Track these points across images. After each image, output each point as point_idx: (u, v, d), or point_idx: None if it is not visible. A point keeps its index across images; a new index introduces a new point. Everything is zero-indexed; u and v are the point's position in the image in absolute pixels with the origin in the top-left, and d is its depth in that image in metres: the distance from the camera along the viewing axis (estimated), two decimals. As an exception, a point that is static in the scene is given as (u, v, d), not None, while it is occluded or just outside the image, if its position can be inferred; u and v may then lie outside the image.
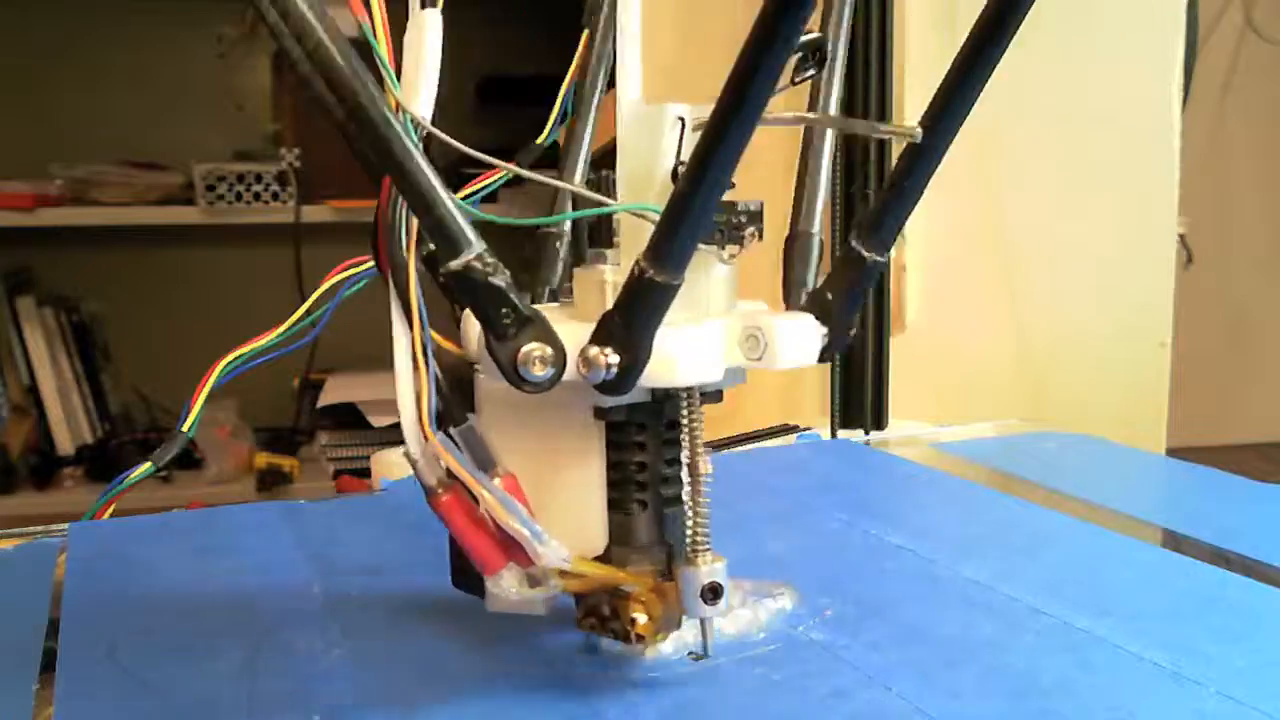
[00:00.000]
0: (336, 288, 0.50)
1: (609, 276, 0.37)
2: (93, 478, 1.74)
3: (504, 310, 0.34)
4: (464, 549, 0.37)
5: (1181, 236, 1.15)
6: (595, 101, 0.45)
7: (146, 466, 0.57)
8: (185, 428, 0.55)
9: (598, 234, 0.39)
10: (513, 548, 0.36)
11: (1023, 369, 1.03)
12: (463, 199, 0.49)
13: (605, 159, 0.41)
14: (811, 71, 0.40)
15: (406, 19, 0.37)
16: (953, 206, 0.99)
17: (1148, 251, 1.07)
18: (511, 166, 0.40)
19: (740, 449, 0.75)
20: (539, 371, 0.35)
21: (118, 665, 0.41)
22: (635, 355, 0.34)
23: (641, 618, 0.38)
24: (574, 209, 0.41)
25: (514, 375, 0.35)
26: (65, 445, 1.77)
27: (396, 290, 0.35)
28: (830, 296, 0.39)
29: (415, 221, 0.35)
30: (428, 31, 0.36)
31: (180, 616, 0.46)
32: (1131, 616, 0.44)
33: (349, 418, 1.77)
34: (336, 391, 1.79)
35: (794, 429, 0.80)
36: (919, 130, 0.36)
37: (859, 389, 0.90)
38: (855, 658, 0.41)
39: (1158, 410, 1.08)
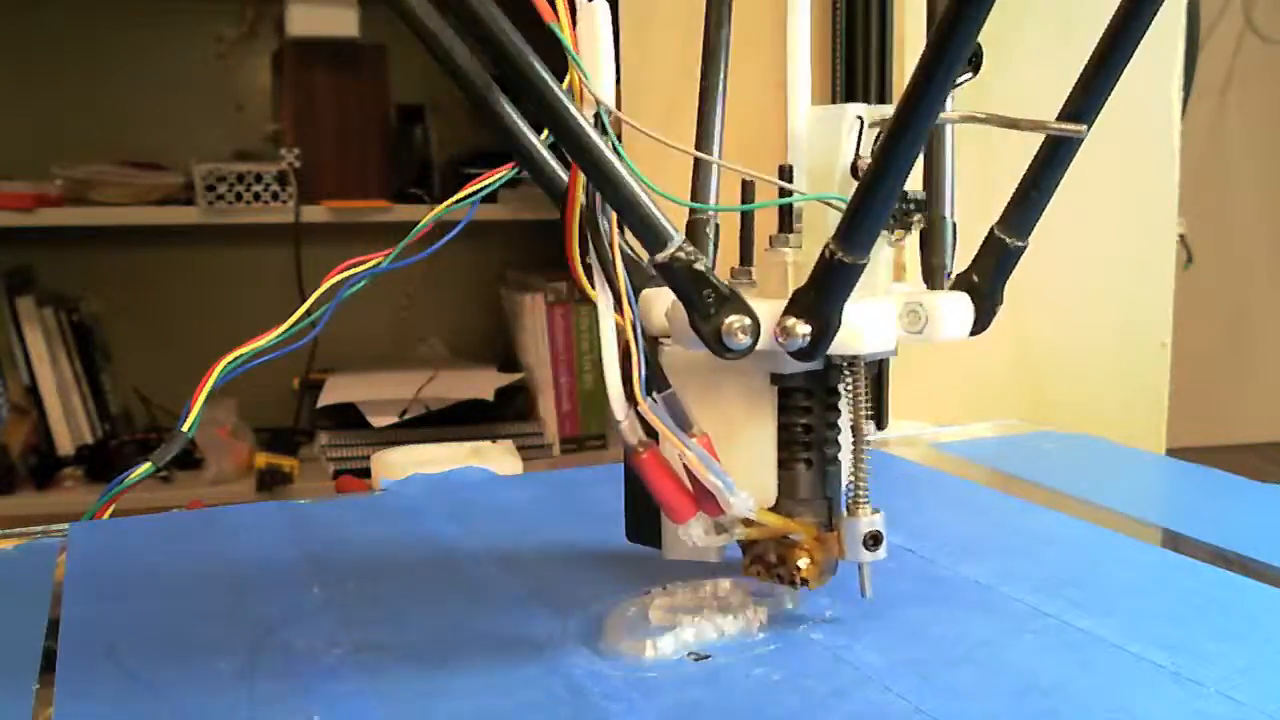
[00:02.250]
0: (336, 288, 0.50)
1: (790, 258, 0.42)
2: (93, 478, 1.74)
3: (706, 291, 0.39)
4: (659, 501, 0.42)
5: (1181, 236, 1.15)
6: (721, 92, 0.48)
7: (146, 466, 0.57)
8: (185, 428, 0.55)
9: (747, 221, 0.44)
10: (703, 499, 0.41)
11: (1023, 369, 1.03)
12: (464, 197, 0.50)
13: None
14: (969, 75, 0.43)
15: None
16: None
17: (1148, 251, 1.07)
18: (746, 166, 0.43)
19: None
20: (741, 340, 0.40)
21: (118, 665, 0.41)
22: (826, 325, 0.39)
23: (805, 563, 0.43)
24: (746, 200, 0.44)
25: (718, 345, 0.40)
26: (65, 445, 1.77)
27: (604, 275, 0.40)
28: (976, 278, 0.44)
29: (614, 215, 0.39)
30: (600, 22, 0.39)
31: (180, 617, 0.46)
32: (1131, 616, 0.44)
33: (349, 418, 1.77)
34: (336, 391, 1.79)
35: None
36: (1083, 128, 0.42)
37: (859, 389, 0.90)
38: (855, 658, 0.41)
39: (1158, 410, 1.08)
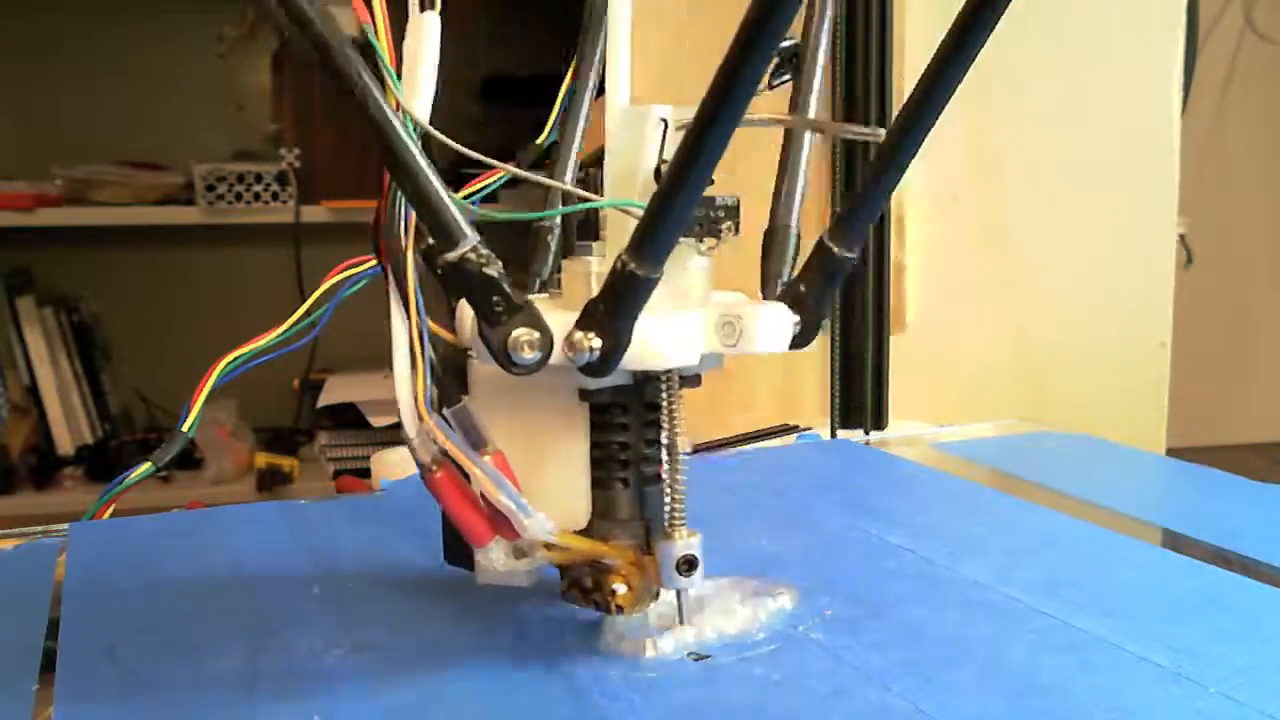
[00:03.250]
0: (336, 288, 0.50)
1: (595, 268, 0.40)
2: (93, 478, 1.74)
3: (496, 299, 0.37)
4: (455, 523, 0.40)
5: (1181, 236, 1.15)
6: (586, 101, 0.47)
7: (146, 466, 0.57)
8: (185, 428, 0.55)
9: (586, 229, 0.42)
10: (501, 522, 0.39)
11: (1023, 369, 1.03)
12: (463, 198, 0.50)
13: (599, 159, 0.43)
14: (787, 76, 0.43)
15: (406, 22, 0.39)
16: (952, 207, 0.99)
17: (1148, 251, 1.07)
18: (507, 167, 0.43)
19: (740, 449, 0.75)
20: (528, 355, 0.37)
21: (118, 665, 0.41)
22: (617, 340, 0.37)
23: (621, 589, 0.40)
24: (564, 205, 0.44)
25: (504, 358, 0.37)
26: (65, 445, 1.77)
27: (395, 281, 0.38)
28: (803, 288, 0.42)
29: (414, 216, 0.38)
30: (426, 34, 0.38)
31: (180, 616, 0.46)
32: (1131, 616, 0.44)
33: (349, 418, 1.77)
34: (336, 391, 1.79)
35: (794, 429, 0.80)
36: (881, 132, 0.39)
37: (859, 389, 0.90)
38: (855, 658, 0.41)
39: (1158, 410, 1.08)
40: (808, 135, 0.45)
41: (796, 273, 0.43)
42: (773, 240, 0.45)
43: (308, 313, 0.51)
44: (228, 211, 1.73)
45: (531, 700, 0.38)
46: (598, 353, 0.37)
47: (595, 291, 0.38)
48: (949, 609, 0.46)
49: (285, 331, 0.52)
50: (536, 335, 0.37)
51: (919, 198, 0.97)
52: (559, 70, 0.46)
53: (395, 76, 0.37)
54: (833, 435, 0.85)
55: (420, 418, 0.38)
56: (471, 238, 0.36)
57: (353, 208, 1.76)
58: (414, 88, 0.38)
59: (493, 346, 0.37)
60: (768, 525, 0.56)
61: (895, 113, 0.91)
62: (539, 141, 0.46)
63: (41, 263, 1.84)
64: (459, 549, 0.43)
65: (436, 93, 0.39)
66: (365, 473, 0.71)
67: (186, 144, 1.82)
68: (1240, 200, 2.42)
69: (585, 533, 0.41)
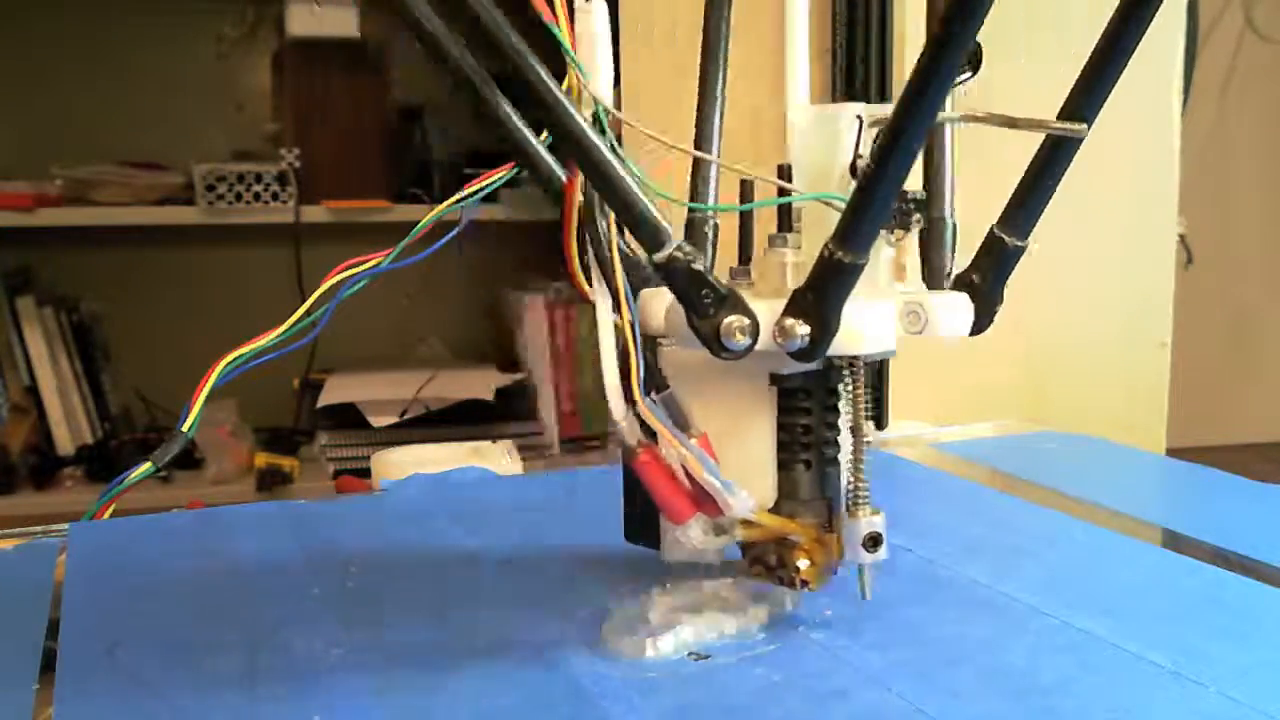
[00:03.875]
0: (336, 288, 0.50)
1: (790, 258, 0.42)
2: (93, 478, 1.74)
3: (704, 291, 0.39)
4: (658, 502, 0.42)
5: (1181, 236, 1.15)
6: (719, 90, 0.48)
7: (146, 466, 0.57)
8: (185, 428, 0.55)
9: (746, 221, 0.44)
10: (702, 500, 0.41)
11: (1023, 369, 1.03)
12: (464, 197, 0.50)
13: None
14: (968, 75, 0.44)
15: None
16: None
17: (1148, 251, 1.07)
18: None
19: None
20: (739, 340, 0.39)
21: (118, 665, 0.41)
22: (825, 326, 0.39)
23: (805, 564, 0.43)
24: (742, 199, 0.44)
25: (716, 345, 0.39)
26: (65, 445, 1.77)
27: (604, 276, 0.40)
28: (976, 278, 0.44)
29: (612, 217, 0.40)
30: (597, 21, 0.39)
31: (180, 616, 0.46)
32: (1131, 616, 0.44)
33: (349, 418, 1.77)
34: (336, 391, 1.78)
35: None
36: (1084, 127, 0.41)
37: (859, 389, 0.90)
38: (855, 658, 0.41)
39: (1158, 410, 1.08)
40: (950, 128, 0.47)
41: (970, 263, 0.45)
42: (932, 232, 0.46)
43: (308, 313, 0.51)
44: (228, 211, 1.73)
45: (531, 700, 0.38)
46: (808, 338, 0.39)
47: (791, 281, 0.40)
48: (949, 609, 0.46)
49: (285, 331, 0.52)
50: (747, 322, 0.39)
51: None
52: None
53: (583, 69, 0.38)
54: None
55: (633, 402, 0.40)
56: (675, 236, 0.39)
57: (353, 208, 1.76)
58: (596, 75, 0.39)
59: (704, 335, 0.39)
60: (768, 525, 0.56)
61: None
62: (542, 139, 0.46)
63: (41, 263, 1.84)
64: (642, 527, 0.46)
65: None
66: (365, 473, 0.71)
67: (186, 144, 1.82)
68: (1240, 200, 2.42)
69: (771, 512, 0.43)
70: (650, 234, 0.39)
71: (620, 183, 0.38)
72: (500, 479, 0.67)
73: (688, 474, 0.41)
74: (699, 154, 0.46)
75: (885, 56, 0.89)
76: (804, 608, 0.45)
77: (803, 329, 0.39)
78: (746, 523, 0.42)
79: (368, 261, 0.51)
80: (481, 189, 0.50)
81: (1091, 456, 0.73)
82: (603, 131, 0.38)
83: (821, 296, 0.39)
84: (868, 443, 0.42)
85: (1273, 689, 0.38)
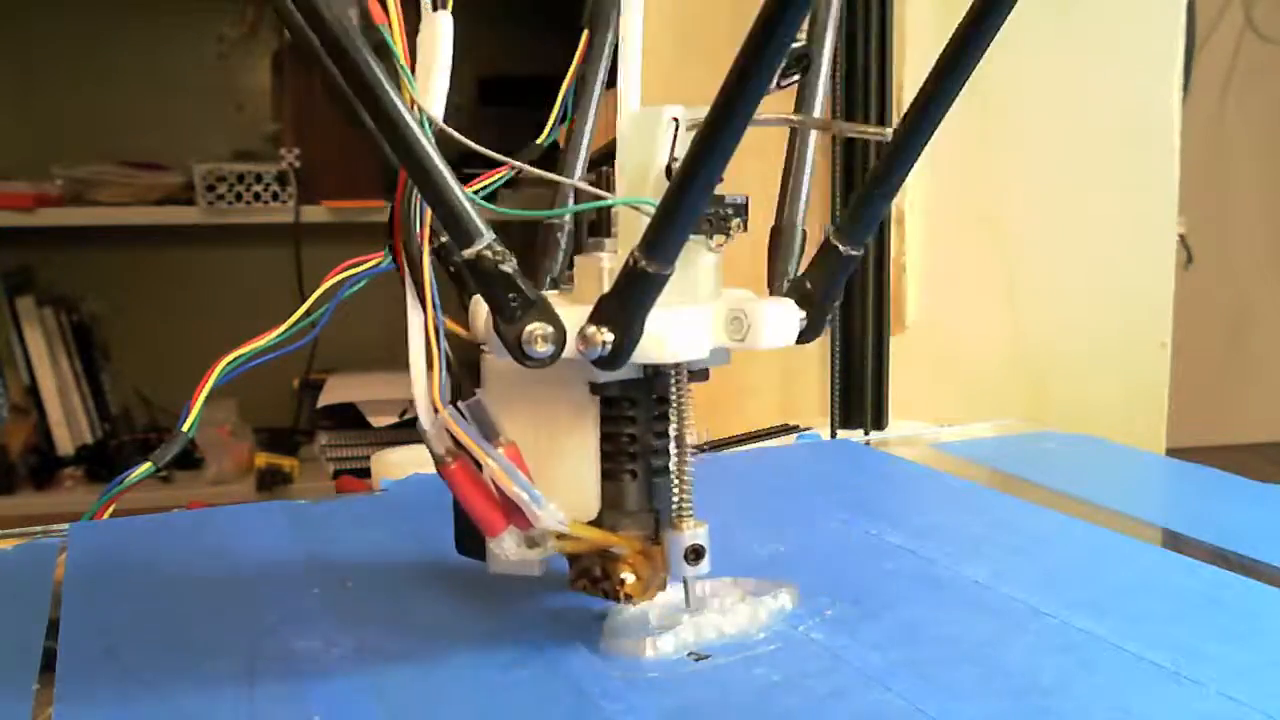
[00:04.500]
0: (336, 288, 0.50)
1: (606, 264, 0.41)
2: (93, 478, 1.74)
3: (511, 294, 0.38)
4: (469, 513, 0.40)
5: (1181, 236, 1.15)
6: (595, 100, 0.47)
7: (146, 466, 0.57)
8: (185, 428, 0.55)
9: (598, 226, 0.42)
10: (513, 512, 0.40)
11: (1022, 369, 1.03)
12: (466, 197, 0.50)
13: (607, 157, 0.43)
14: (796, 77, 0.43)
15: (418, 20, 0.39)
16: (953, 206, 0.99)
17: (1148, 251, 1.07)
18: (514, 162, 0.43)
19: (740, 449, 0.75)
20: (541, 348, 0.38)
21: (118, 665, 0.41)
22: (628, 334, 0.38)
23: (630, 577, 0.41)
24: (575, 203, 0.44)
25: (519, 352, 0.38)
26: (65, 445, 1.77)
27: (411, 277, 0.39)
28: (810, 285, 0.43)
29: (429, 213, 0.39)
30: (440, 33, 0.39)
31: (180, 616, 0.46)
32: (1131, 616, 0.44)
33: (349, 418, 1.77)
34: (336, 391, 1.79)
35: (794, 429, 0.80)
36: (889, 132, 0.40)
37: (859, 389, 0.90)
38: (855, 658, 0.41)
39: (1158, 410, 1.08)
40: (813, 134, 0.46)
41: (804, 269, 0.44)
42: (779, 238, 0.45)
43: (308, 313, 0.51)
44: (228, 211, 1.73)
45: (531, 700, 0.38)
46: (609, 346, 0.38)
47: (607, 287, 0.39)
48: (949, 609, 0.46)
49: (285, 331, 0.52)
50: (550, 330, 0.38)
51: (919, 198, 0.97)
52: (557, 71, 0.46)
53: (410, 74, 0.38)
54: (833, 435, 0.85)
55: (436, 410, 0.39)
56: (487, 235, 0.37)
57: (353, 208, 1.76)
58: (428, 85, 0.39)
59: (507, 341, 0.38)
60: (768, 525, 0.56)
61: (895, 112, 0.92)
62: (539, 141, 0.47)
63: (41, 263, 1.84)
64: (471, 539, 0.44)
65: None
66: (365, 473, 0.71)
67: (186, 144, 1.82)
68: (1240, 200, 2.42)
69: (595, 523, 0.42)
70: (461, 230, 0.37)
71: (434, 174, 0.37)
72: (500, 479, 0.67)
73: (497, 486, 0.39)
74: (509, 160, 0.44)
75: (885, 66, 0.89)
76: (804, 608, 0.45)
77: (605, 336, 0.38)
78: (561, 535, 0.40)
79: (368, 261, 0.51)
80: (481, 189, 0.50)
81: (1091, 456, 0.73)
82: (422, 126, 0.37)
83: (625, 304, 0.38)
84: (693, 452, 0.41)
85: (1273, 689, 0.38)
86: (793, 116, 0.43)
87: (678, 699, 0.38)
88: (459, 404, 0.39)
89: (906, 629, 0.44)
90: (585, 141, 0.47)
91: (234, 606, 0.47)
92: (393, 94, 0.36)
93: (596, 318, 0.38)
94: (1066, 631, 0.43)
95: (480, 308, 0.41)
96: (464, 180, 0.50)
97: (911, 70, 0.91)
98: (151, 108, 1.87)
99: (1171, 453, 0.86)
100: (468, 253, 0.37)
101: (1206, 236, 2.07)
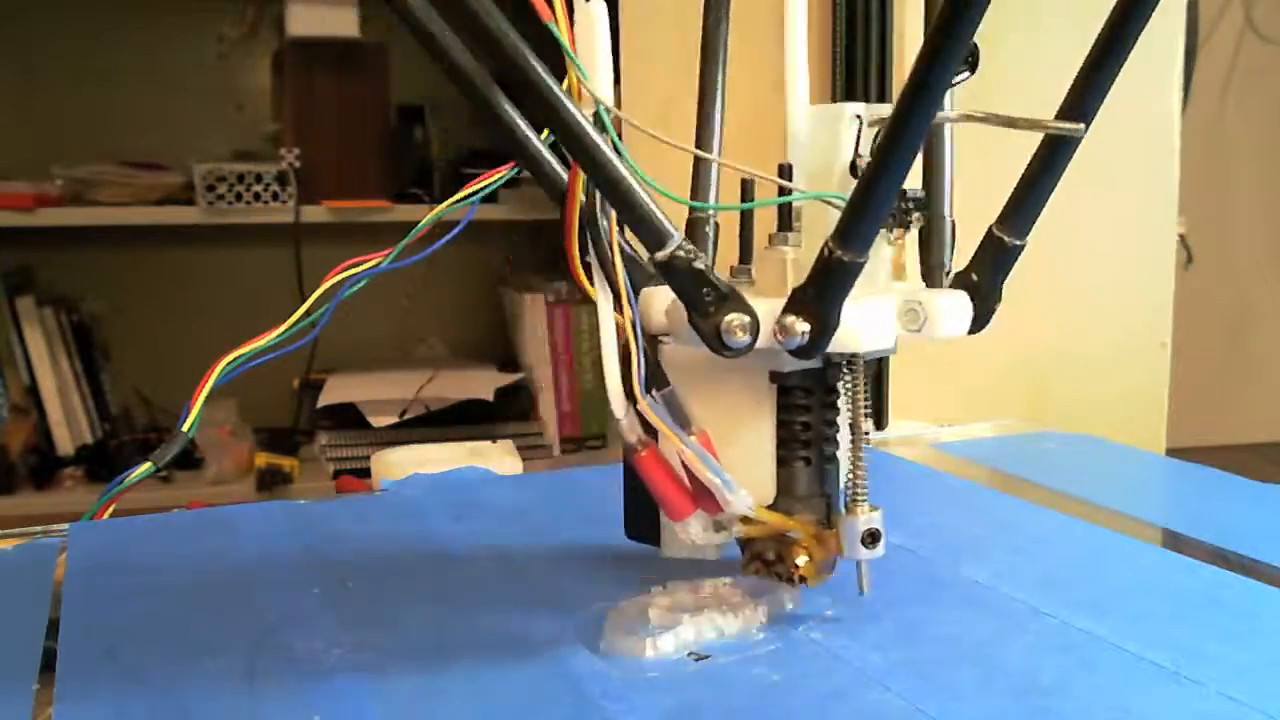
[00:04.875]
0: (336, 288, 0.50)
1: (790, 256, 0.42)
2: (93, 478, 1.73)
3: (705, 290, 0.39)
4: (658, 499, 0.42)
5: (1181, 236, 1.15)
6: (719, 90, 0.48)
7: (146, 466, 0.57)
8: (185, 428, 0.55)
9: (747, 220, 0.44)
10: (702, 496, 0.41)
11: (1023, 369, 1.03)
12: (464, 197, 0.50)
13: None
14: (966, 74, 0.44)
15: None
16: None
17: (1148, 251, 1.07)
18: (701, 152, 0.45)
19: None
20: (740, 338, 0.40)
21: (118, 665, 0.41)
22: (825, 324, 0.39)
23: (803, 560, 0.43)
24: (743, 198, 0.45)
25: (717, 343, 0.40)
26: (65, 445, 1.77)
27: (604, 275, 0.40)
28: (975, 276, 0.45)
29: (613, 214, 0.40)
30: (597, 21, 0.40)
31: (180, 616, 0.46)
32: (1131, 616, 0.44)
33: (349, 418, 1.77)
34: (336, 391, 1.78)
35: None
36: (1081, 127, 0.41)
37: (859, 389, 0.90)
38: (855, 658, 0.41)
39: (1158, 410, 1.08)
40: (948, 129, 0.47)
41: (968, 262, 0.45)
42: (931, 231, 0.46)
43: (308, 313, 0.51)
44: (228, 211, 1.73)
45: (531, 700, 0.38)
46: (807, 335, 0.39)
47: (791, 279, 0.41)
48: (949, 609, 0.46)
49: (285, 331, 0.52)
50: (748, 320, 0.39)
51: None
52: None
53: (584, 71, 0.39)
54: (833, 435, 0.85)
55: (634, 399, 0.40)
56: (677, 235, 0.39)
57: (353, 208, 1.76)
58: (596, 74, 0.39)
59: (705, 333, 0.40)
60: (768, 525, 0.56)
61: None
62: (542, 138, 0.46)
63: (41, 263, 1.84)
64: (642, 523, 0.46)
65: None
66: (365, 473, 0.71)
67: (186, 144, 1.82)
68: (1240, 200, 2.42)
69: (770, 509, 0.43)
70: (652, 232, 0.39)
71: (622, 182, 0.38)
72: (500, 479, 0.67)
73: (688, 471, 0.41)
74: (699, 152, 0.47)
75: (885, 56, 0.89)
76: (804, 607, 0.45)
77: (802, 326, 0.39)
78: (745, 519, 0.42)
79: (368, 261, 0.51)
80: (481, 189, 0.50)
81: (1091, 456, 0.73)
82: (604, 130, 0.38)
83: (821, 294, 0.39)
84: (867, 440, 0.42)
85: (1273, 689, 0.38)
86: (975, 113, 0.44)
87: (678, 699, 0.38)
88: (653, 393, 0.41)
89: (906, 629, 0.44)
90: (717, 131, 0.48)
91: (234, 606, 0.47)
92: (565, 97, 0.37)
93: (794, 308, 0.39)
94: (1066, 631, 0.43)
95: (653, 300, 0.42)
96: (462, 180, 0.50)
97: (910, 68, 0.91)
98: (151, 108, 1.87)
99: (1171, 453, 0.86)
100: (661, 254, 0.39)
101: (1206, 236, 2.07)
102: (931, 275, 0.46)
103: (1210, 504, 0.61)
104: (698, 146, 0.48)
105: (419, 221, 0.51)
